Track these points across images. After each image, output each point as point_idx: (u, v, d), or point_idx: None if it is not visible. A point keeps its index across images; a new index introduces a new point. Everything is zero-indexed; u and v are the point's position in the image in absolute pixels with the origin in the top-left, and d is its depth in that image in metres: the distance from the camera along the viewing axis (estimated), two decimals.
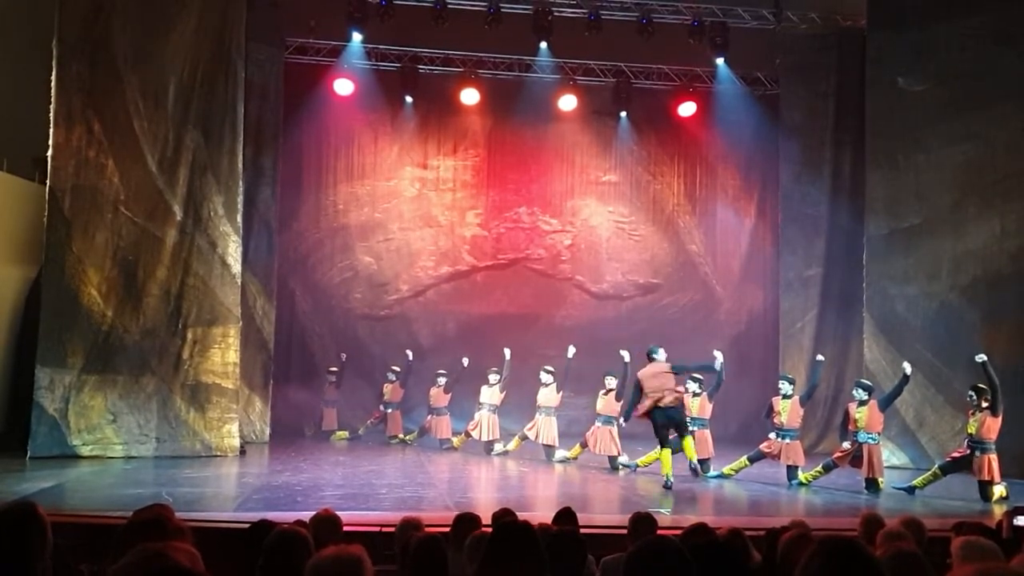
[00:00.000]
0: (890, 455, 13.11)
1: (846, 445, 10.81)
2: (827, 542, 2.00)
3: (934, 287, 13.34)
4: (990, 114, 12.97)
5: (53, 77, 11.80)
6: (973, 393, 10.42)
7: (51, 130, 11.81)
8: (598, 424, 12.41)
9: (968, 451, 10.31)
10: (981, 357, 10.27)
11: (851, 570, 1.91)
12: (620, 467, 12.20)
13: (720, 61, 16.04)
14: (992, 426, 10.17)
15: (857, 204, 14.48)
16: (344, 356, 15.73)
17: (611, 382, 12.49)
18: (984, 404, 10.24)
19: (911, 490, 10.49)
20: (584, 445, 12.58)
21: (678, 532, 4.10)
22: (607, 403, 12.43)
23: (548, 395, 13.08)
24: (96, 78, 12.09)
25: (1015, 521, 5.37)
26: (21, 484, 9.39)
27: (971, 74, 13.10)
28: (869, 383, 11.53)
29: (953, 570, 3.14)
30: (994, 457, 10.12)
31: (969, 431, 10.39)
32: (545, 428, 12.98)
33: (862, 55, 14.38)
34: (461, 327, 16.70)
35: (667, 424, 10.63)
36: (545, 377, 13.20)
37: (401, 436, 14.92)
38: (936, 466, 10.78)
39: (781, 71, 15.99)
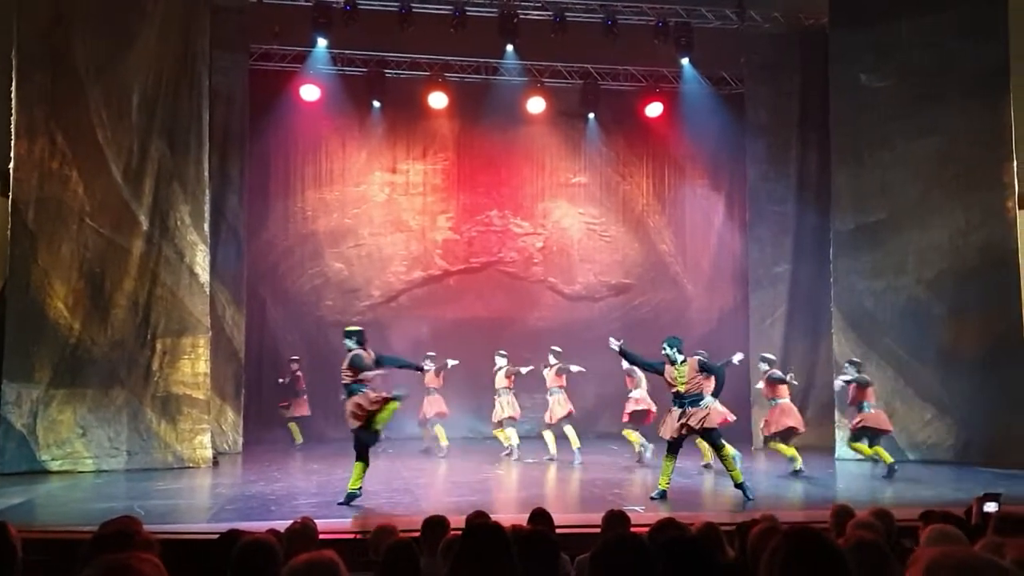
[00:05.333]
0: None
1: None
2: (791, 533, 2.01)
3: (901, 281, 13.49)
4: (953, 108, 13.14)
5: (13, 88, 11.67)
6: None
7: (12, 142, 11.68)
8: (548, 397, 13.27)
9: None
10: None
11: (814, 559, 1.93)
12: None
13: (685, 61, 16.16)
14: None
15: (823, 200, 14.60)
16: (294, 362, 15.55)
17: (552, 359, 13.30)
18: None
19: (891, 471, 11.17)
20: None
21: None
22: (552, 377, 13.25)
23: (502, 378, 13.68)
24: (58, 89, 11.97)
25: (984, 508, 5.44)
26: None
27: (933, 69, 13.27)
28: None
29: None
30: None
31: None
32: (505, 406, 13.55)
33: (825, 53, 14.52)
34: (435, 332, 16.63)
35: None
36: (499, 360, 13.75)
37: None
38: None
39: (746, 70, 16.13)
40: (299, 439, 15.12)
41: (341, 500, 9.17)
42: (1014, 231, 12.75)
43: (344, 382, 9.52)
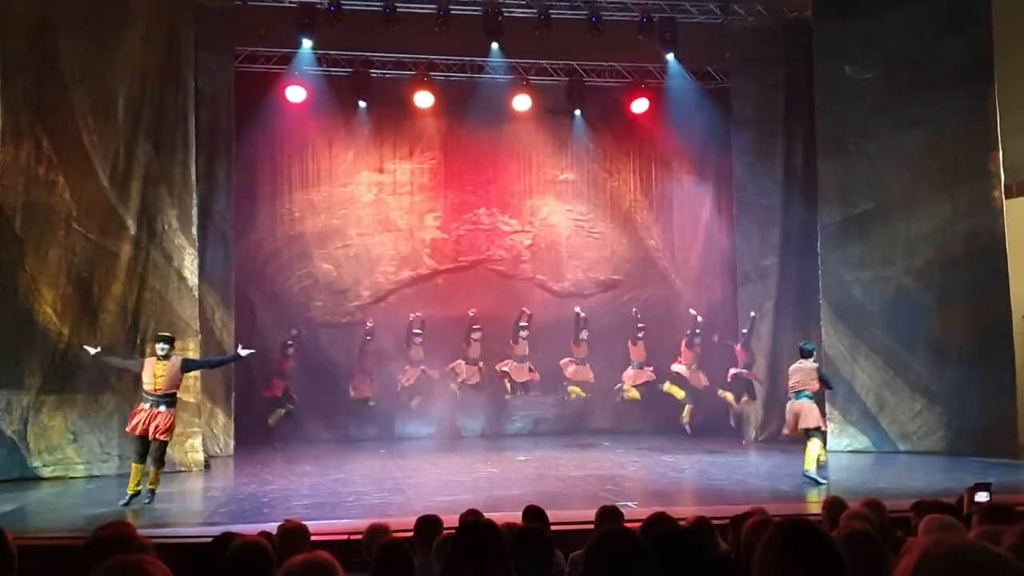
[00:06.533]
0: (852, 439, 13.32)
1: None
2: (784, 525, 2.02)
3: (889, 271, 13.53)
4: (938, 99, 13.18)
5: None
6: None
7: None
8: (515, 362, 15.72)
9: None
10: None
11: (808, 551, 1.93)
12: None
13: (670, 56, 16.15)
14: None
15: (810, 193, 14.63)
16: (295, 331, 15.82)
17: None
18: None
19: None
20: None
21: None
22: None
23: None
24: (43, 93, 11.88)
25: (975, 497, 5.46)
26: None
27: (917, 60, 13.31)
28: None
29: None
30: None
31: None
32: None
33: (810, 46, 14.56)
34: (424, 331, 16.62)
35: None
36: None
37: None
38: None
39: (731, 64, 16.14)
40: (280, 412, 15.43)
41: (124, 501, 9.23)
42: (1001, 219, 12.82)
43: (173, 391, 9.65)
